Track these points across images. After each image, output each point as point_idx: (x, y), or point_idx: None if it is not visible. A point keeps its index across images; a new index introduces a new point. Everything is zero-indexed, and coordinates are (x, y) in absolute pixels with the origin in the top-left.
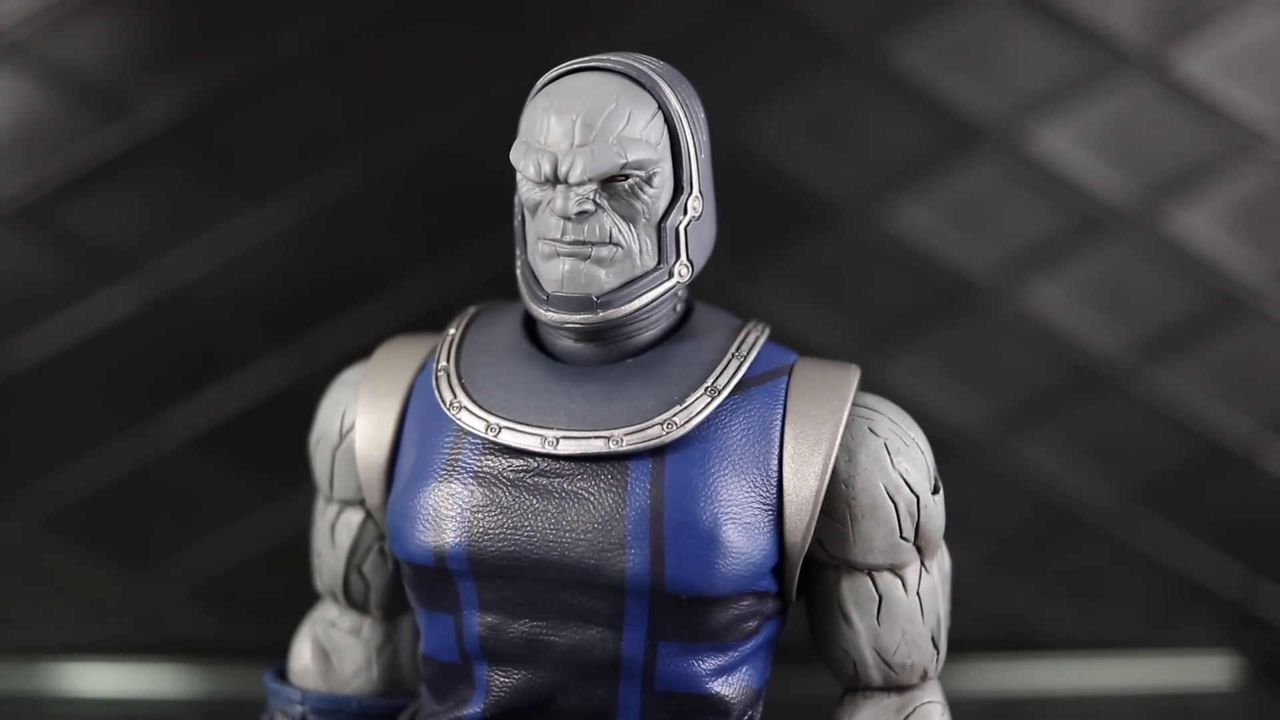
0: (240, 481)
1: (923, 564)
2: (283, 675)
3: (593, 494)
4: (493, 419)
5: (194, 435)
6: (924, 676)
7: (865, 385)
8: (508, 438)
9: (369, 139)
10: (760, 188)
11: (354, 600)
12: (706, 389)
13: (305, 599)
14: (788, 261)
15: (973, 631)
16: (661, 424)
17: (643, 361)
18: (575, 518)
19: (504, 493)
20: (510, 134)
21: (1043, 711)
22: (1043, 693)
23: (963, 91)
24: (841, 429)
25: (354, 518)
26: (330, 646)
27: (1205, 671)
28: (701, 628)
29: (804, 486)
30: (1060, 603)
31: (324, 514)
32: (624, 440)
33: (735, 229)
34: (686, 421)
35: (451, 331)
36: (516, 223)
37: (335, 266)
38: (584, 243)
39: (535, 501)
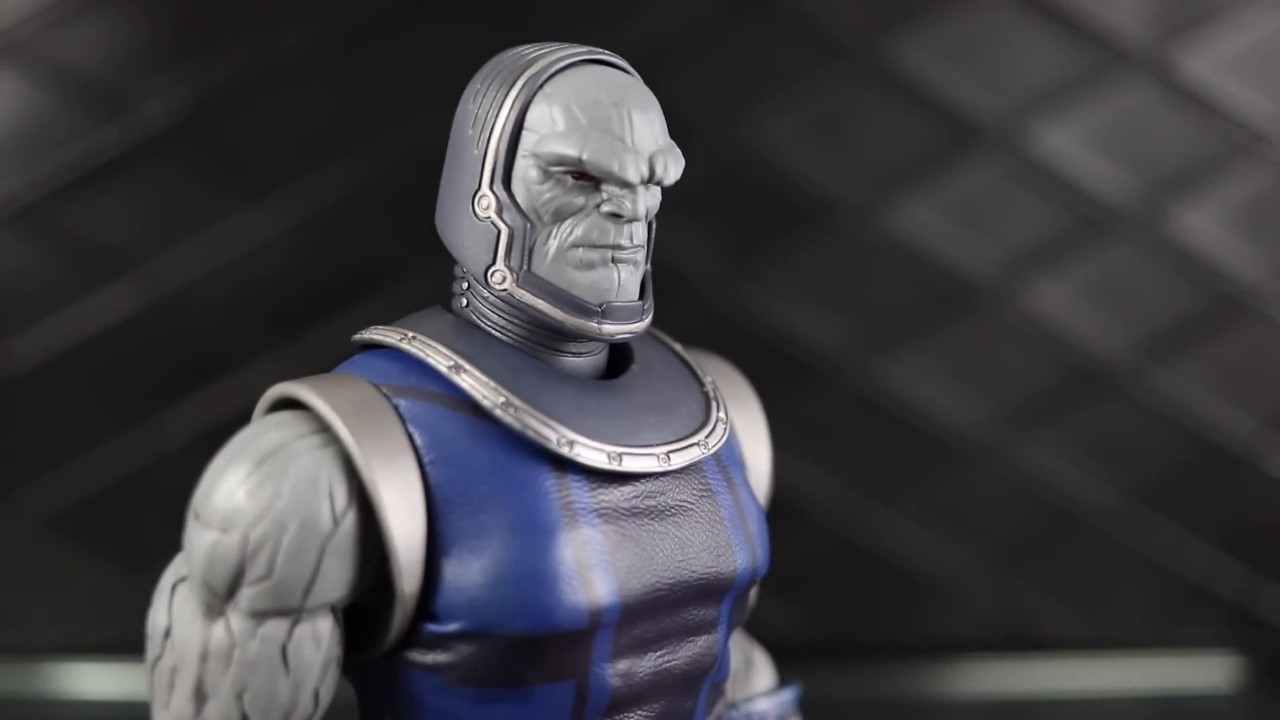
0: None
1: None
2: None
3: (692, 503)
4: (608, 447)
5: (194, 435)
6: None
7: (864, 384)
8: (629, 464)
9: (369, 139)
10: (761, 187)
11: None
12: (711, 384)
13: None
14: (788, 261)
15: (973, 632)
16: (720, 423)
17: (642, 369)
18: (690, 530)
19: (628, 524)
20: None
21: (1044, 712)
22: (1044, 694)
23: (963, 91)
24: (758, 406)
25: (323, 625)
26: None
27: (1207, 672)
28: (746, 611)
29: (759, 460)
30: (1061, 603)
31: (262, 637)
32: (709, 444)
33: (735, 229)
34: (728, 416)
35: (443, 360)
36: (505, 232)
37: (335, 266)
38: (639, 247)
39: (655, 525)
